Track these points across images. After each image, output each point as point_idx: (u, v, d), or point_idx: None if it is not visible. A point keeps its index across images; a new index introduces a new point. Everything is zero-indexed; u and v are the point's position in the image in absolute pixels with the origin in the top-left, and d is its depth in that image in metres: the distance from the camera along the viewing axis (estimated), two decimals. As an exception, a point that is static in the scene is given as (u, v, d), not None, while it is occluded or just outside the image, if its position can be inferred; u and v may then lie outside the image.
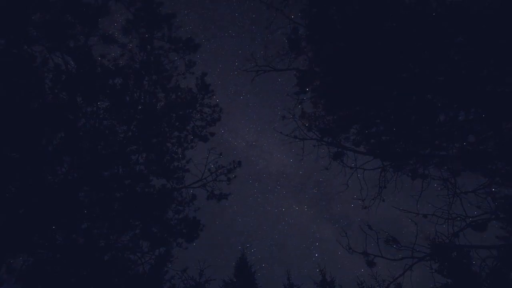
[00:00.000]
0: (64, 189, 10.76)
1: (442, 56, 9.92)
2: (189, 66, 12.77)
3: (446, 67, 9.96)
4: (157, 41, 12.25)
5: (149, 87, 12.19)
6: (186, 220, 12.87)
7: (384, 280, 13.07)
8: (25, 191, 10.29)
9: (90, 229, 11.37)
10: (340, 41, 10.98)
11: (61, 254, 11.02)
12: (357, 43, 10.57)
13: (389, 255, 12.87)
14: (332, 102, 12.12)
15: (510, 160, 10.44)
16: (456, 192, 12.22)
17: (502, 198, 11.94)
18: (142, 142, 12.01)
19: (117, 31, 11.93)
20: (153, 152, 12.33)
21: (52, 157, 10.61)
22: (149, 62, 12.05)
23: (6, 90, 9.97)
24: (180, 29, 12.43)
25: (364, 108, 11.55)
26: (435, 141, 11.17)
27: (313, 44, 11.97)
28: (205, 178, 13.12)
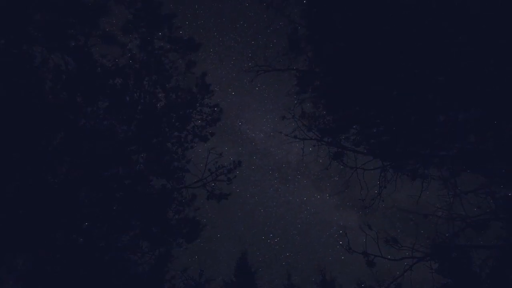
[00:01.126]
0: (64, 189, 10.76)
1: (442, 56, 9.92)
2: (189, 66, 12.76)
3: (446, 67, 9.96)
4: (157, 41, 12.25)
5: (149, 87, 12.18)
6: (186, 220, 12.87)
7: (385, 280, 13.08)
8: (25, 191, 10.28)
9: (90, 229, 11.37)
10: (340, 41, 10.99)
11: (61, 254, 11.02)
12: (357, 43, 10.57)
13: (389, 255, 12.88)
14: (332, 102, 12.12)
15: (510, 160, 10.45)
16: (456, 192, 12.22)
17: (502, 198, 11.95)
18: (142, 142, 12.00)
19: (117, 31, 11.94)
20: (153, 152, 12.33)
21: (52, 157, 10.61)
22: (149, 62, 12.04)
23: (6, 90, 9.97)
24: (180, 29, 12.43)
25: (364, 108, 11.55)
26: (435, 141, 11.17)
27: (313, 44, 11.97)
28: (205, 178, 13.11)
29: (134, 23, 11.93)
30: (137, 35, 12.03)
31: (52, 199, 10.57)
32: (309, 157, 12.60)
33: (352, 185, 12.51)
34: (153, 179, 12.38)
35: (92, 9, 10.96)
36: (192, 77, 12.82)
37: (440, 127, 10.90)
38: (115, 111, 11.50)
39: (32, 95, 10.27)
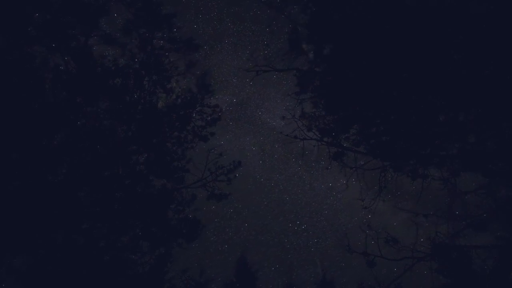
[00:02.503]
0: (64, 189, 10.76)
1: (442, 56, 9.92)
2: (189, 66, 12.77)
3: (446, 67, 9.96)
4: (157, 41, 12.26)
5: (149, 87, 12.18)
6: (186, 220, 12.86)
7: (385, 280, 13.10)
8: (25, 191, 10.28)
9: (90, 229, 11.37)
10: (340, 41, 10.99)
11: (61, 254, 11.01)
12: (357, 43, 10.57)
13: (390, 255, 12.88)
14: (332, 102, 12.12)
15: (510, 160, 10.45)
16: (456, 192, 12.23)
17: (502, 198, 11.95)
18: (142, 142, 12.00)
19: (117, 31, 11.94)
20: (153, 152, 12.33)
21: (52, 157, 10.60)
22: (149, 62, 12.05)
23: (6, 90, 9.97)
24: (181, 29, 12.44)
25: (364, 108, 11.55)
26: (435, 141, 11.17)
27: (313, 44, 11.98)
28: (205, 178, 13.11)
29: (134, 23, 11.94)
30: (137, 35, 12.04)
31: (52, 199, 10.57)
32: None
33: (371, 168, 12.40)
34: (153, 179, 12.37)
35: (92, 9, 10.96)
36: (192, 77, 12.84)
37: (440, 127, 10.90)
38: (115, 111, 11.50)
39: (32, 95, 10.27)
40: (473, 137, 10.92)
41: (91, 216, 11.27)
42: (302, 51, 12.51)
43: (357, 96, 11.29)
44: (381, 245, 13.16)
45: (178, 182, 12.89)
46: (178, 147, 12.77)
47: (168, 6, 12.20)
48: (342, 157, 12.79)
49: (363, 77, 10.77)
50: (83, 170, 10.94)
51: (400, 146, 11.55)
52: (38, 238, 10.76)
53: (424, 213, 13.62)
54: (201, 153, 13.42)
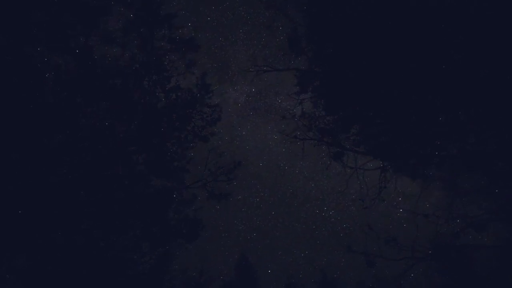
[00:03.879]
0: (64, 189, 10.76)
1: (442, 56, 9.92)
2: (189, 66, 12.76)
3: (446, 67, 9.96)
4: (157, 41, 12.25)
5: (149, 87, 12.18)
6: (186, 220, 12.87)
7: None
8: (25, 191, 10.28)
9: (90, 229, 11.37)
10: (340, 41, 10.99)
11: (61, 254, 11.02)
12: (357, 44, 10.57)
13: (390, 255, 12.89)
14: (332, 102, 12.13)
15: (510, 160, 10.45)
16: (456, 192, 12.23)
17: (502, 198, 11.95)
18: (142, 142, 12.00)
19: (117, 31, 11.93)
20: (153, 152, 12.33)
21: (52, 157, 10.60)
22: (149, 62, 12.04)
23: (6, 90, 9.97)
24: (180, 29, 12.44)
25: (364, 108, 11.55)
26: (435, 141, 11.17)
27: (313, 44, 11.98)
28: (205, 178, 13.12)
29: (134, 23, 11.93)
30: (137, 35, 12.03)
31: (52, 199, 10.57)
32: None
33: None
34: (153, 179, 12.37)
35: (92, 9, 10.96)
36: (192, 77, 12.83)
37: (440, 127, 10.90)
38: (115, 111, 11.50)
39: (33, 95, 10.27)
40: (473, 137, 10.92)
41: (91, 216, 11.27)
42: (302, 51, 12.51)
43: (357, 96, 11.29)
44: (381, 245, 13.17)
45: (178, 182, 12.90)
46: (178, 147, 12.77)
47: (168, 6, 12.19)
48: (342, 157, 12.79)
49: (363, 77, 10.76)
50: (83, 170, 10.93)
51: (400, 146, 11.55)
52: (38, 238, 10.76)
53: (424, 213, 13.62)
54: (201, 153, 13.44)
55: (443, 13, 9.66)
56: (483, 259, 12.16)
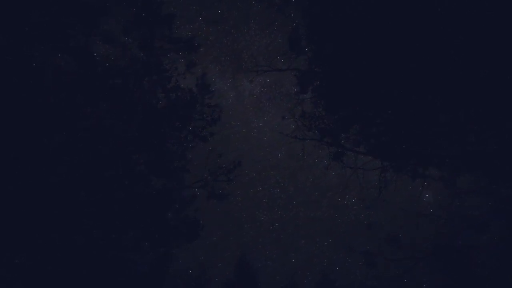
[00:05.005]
0: (64, 189, 10.76)
1: (442, 56, 9.92)
2: (189, 66, 12.77)
3: (446, 66, 9.96)
4: (157, 41, 12.25)
5: (149, 87, 12.18)
6: (186, 220, 12.88)
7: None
8: (25, 191, 10.29)
9: (90, 229, 11.37)
10: (340, 41, 10.99)
11: (61, 254, 11.02)
12: (357, 44, 10.57)
13: (390, 255, 12.89)
14: (332, 102, 12.13)
15: (510, 160, 10.45)
16: (456, 192, 12.23)
17: (502, 198, 11.95)
18: (142, 142, 12.00)
19: (117, 31, 11.93)
20: (153, 152, 12.33)
21: (52, 157, 10.60)
22: (149, 62, 12.04)
23: (6, 90, 9.97)
24: (181, 28, 12.44)
25: (364, 108, 11.55)
26: (435, 141, 11.17)
27: (313, 44, 11.98)
28: (205, 178, 13.13)
29: (134, 23, 11.94)
30: (137, 35, 12.03)
31: (52, 199, 10.57)
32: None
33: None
34: (153, 179, 12.38)
35: (92, 9, 10.96)
36: (192, 77, 12.84)
37: (440, 127, 10.90)
38: (115, 111, 11.50)
39: (32, 95, 10.27)
40: (473, 137, 10.91)
41: (91, 216, 11.27)
42: (302, 51, 12.52)
43: (357, 96, 11.29)
44: (381, 245, 13.17)
45: (178, 182, 12.91)
46: (178, 147, 12.78)
47: (168, 6, 12.20)
48: (342, 157, 12.80)
49: (363, 77, 10.76)
50: (83, 170, 10.94)
51: (400, 146, 11.55)
52: (38, 238, 10.76)
53: (424, 213, 13.62)
54: (201, 153, 13.45)
55: (443, 13, 9.66)
56: (483, 259, 12.16)
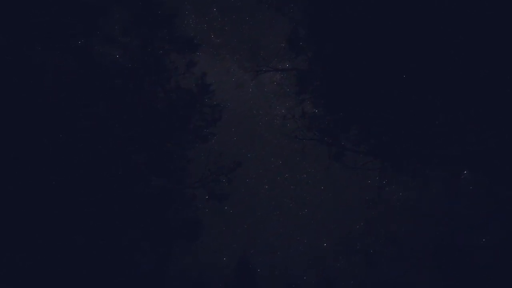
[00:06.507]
0: (64, 189, 10.76)
1: (442, 56, 9.93)
2: (189, 66, 12.76)
3: (446, 67, 9.97)
4: (157, 41, 12.25)
5: (149, 87, 12.18)
6: (186, 220, 12.87)
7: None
8: (25, 191, 10.29)
9: (90, 229, 11.37)
10: (340, 41, 11.00)
11: (61, 254, 11.02)
12: (357, 43, 10.58)
13: (390, 255, 12.89)
14: (332, 102, 12.13)
15: (510, 160, 10.45)
16: (456, 192, 12.23)
17: (502, 198, 11.95)
18: (142, 142, 12.01)
19: (117, 31, 11.93)
20: (153, 152, 12.33)
21: (52, 157, 10.61)
22: (149, 62, 12.05)
23: (6, 90, 9.98)
24: (181, 28, 12.43)
25: (364, 108, 11.56)
26: (435, 141, 11.18)
27: (313, 44, 11.99)
28: (205, 178, 13.13)
29: (134, 23, 11.94)
30: (137, 35, 12.03)
31: (52, 199, 10.58)
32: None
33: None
34: (153, 179, 12.38)
35: (92, 9, 10.97)
36: (192, 77, 12.83)
37: (440, 127, 10.91)
38: (115, 111, 11.50)
39: (32, 95, 10.28)
40: (473, 137, 10.92)
41: (91, 216, 11.27)
42: (302, 51, 12.52)
43: (357, 96, 11.29)
44: (381, 245, 13.17)
45: (178, 182, 12.90)
46: (178, 147, 12.77)
47: (168, 6, 12.19)
48: (342, 157, 12.80)
49: (363, 77, 10.77)
50: (83, 170, 10.94)
51: (400, 146, 11.56)
52: (38, 238, 10.76)
53: (424, 213, 13.62)
54: (201, 153, 13.45)
55: (443, 13, 9.67)
56: (483, 259, 12.16)
